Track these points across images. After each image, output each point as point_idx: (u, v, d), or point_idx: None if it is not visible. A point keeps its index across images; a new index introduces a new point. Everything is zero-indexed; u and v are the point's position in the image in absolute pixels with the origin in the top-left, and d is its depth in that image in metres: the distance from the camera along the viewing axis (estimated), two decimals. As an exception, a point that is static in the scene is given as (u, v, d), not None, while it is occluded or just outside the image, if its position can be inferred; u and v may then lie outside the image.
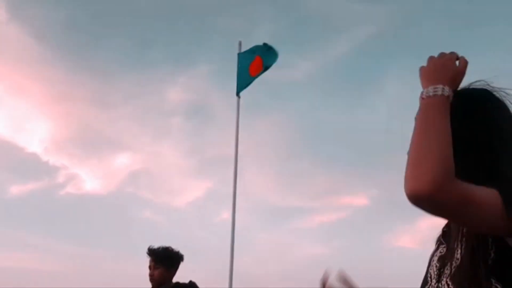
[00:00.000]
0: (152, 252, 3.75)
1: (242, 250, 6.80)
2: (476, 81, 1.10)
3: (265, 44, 7.02)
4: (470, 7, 9.51)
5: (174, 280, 3.72)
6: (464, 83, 1.08)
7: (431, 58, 1.07)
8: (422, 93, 1.01)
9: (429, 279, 1.07)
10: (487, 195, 0.90)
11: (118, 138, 11.34)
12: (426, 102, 0.99)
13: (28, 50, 10.41)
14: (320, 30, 10.99)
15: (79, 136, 11.25)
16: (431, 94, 0.99)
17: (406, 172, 0.92)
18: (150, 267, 3.73)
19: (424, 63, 1.07)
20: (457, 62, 1.07)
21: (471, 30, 9.92)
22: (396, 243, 10.89)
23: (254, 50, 7.18)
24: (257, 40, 7.29)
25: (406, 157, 0.96)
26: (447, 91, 0.98)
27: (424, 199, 0.89)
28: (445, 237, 1.09)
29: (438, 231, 1.12)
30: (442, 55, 1.07)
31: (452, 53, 1.06)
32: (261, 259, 10.08)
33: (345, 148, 11.07)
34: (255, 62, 7.04)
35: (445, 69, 1.03)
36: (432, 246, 1.12)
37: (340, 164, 11.17)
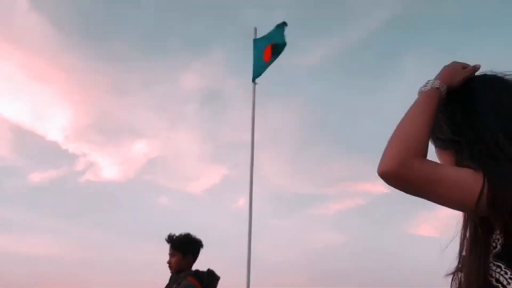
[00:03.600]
0: (169, 239, 3.75)
1: (258, 237, 6.81)
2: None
3: (278, 25, 6.97)
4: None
5: (194, 267, 3.72)
6: None
7: None
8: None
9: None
10: (460, 176, 0.95)
11: (135, 125, 11.41)
12: (418, 97, 1.07)
13: (48, 38, 10.51)
14: (336, 15, 10.83)
15: (97, 123, 11.36)
16: (422, 89, 1.08)
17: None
18: (169, 254, 3.73)
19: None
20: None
21: (484, 14, 9.69)
22: (416, 232, 10.81)
23: (269, 37, 7.12)
24: (272, 27, 7.22)
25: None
26: (437, 83, 1.06)
27: (389, 177, 0.97)
28: None
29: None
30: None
31: (462, 62, 1.14)
32: (278, 247, 10.10)
33: (363, 133, 10.97)
34: (269, 47, 6.98)
35: (445, 69, 1.12)
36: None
37: (357, 150, 11.09)
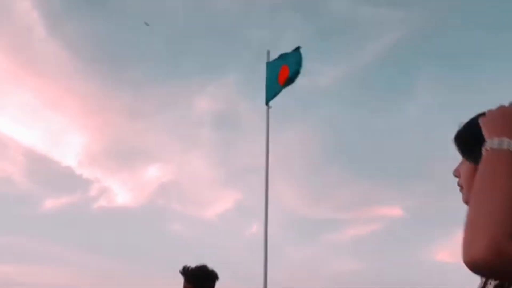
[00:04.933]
0: (183, 272, 3.64)
1: (273, 263, 6.64)
2: None
3: (296, 49, 6.93)
4: (497, 11, 9.23)
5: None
6: None
7: (497, 107, 1.00)
8: (485, 143, 0.94)
9: None
10: None
11: (149, 149, 11.41)
12: (490, 156, 0.92)
13: (64, 65, 10.68)
14: (347, 37, 10.84)
15: (111, 148, 11.39)
16: (495, 146, 0.91)
17: (463, 236, 0.86)
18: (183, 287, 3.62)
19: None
20: None
21: (497, 34, 9.61)
22: (434, 257, 10.50)
23: (282, 59, 7.08)
24: (285, 49, 7.21)
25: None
26: None
27: (482, 267, 0.83)
28: None
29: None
30: (506, 106, 1.00)
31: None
32: (293, 274, 9.87)
33: (377, 157, 10.79)
34: (283, 70, 6.93)
35: (505, 120, 0.96)
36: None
37: (372, 174, 10.90)
